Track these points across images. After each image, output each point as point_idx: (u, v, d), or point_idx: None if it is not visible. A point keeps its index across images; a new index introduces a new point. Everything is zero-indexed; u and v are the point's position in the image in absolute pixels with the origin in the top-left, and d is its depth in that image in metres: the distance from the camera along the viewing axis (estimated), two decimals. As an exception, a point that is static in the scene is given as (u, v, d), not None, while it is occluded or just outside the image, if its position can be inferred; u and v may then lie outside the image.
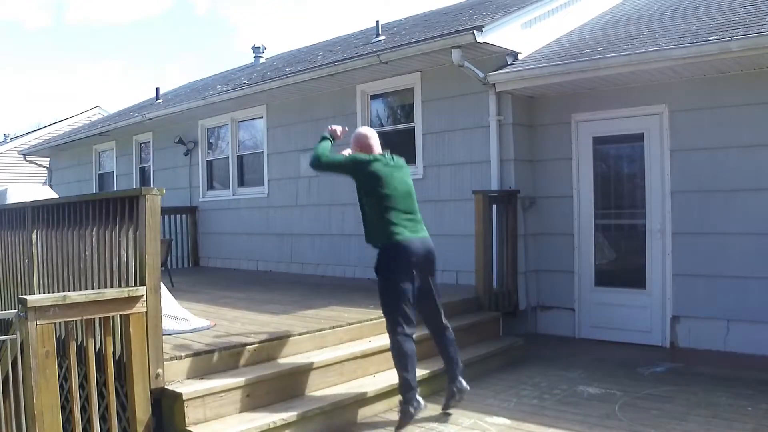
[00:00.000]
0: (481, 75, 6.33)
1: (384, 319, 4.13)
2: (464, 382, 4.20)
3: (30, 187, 7.84)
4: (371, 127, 7.87)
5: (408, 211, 4.08)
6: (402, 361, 3.95)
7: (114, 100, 71.54)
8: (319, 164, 4.20)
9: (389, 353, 4.48)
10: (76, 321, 3.28)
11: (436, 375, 4.72)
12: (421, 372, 4.60)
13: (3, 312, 4.17)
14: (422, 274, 4.08)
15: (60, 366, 3.44)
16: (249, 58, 13.72)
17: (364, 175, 4.08)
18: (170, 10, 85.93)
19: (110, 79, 78.77)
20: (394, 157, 4.27)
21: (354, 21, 71.82)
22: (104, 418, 3.35)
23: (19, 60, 76.60)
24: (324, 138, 4.37)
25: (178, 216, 10.34)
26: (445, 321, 4.26)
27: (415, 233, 4.04)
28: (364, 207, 4.15)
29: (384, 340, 4.74)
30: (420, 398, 3.98)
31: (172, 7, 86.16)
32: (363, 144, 4.31)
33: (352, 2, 78.54)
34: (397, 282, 3.96)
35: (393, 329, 3.99)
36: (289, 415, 3.77)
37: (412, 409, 3.91)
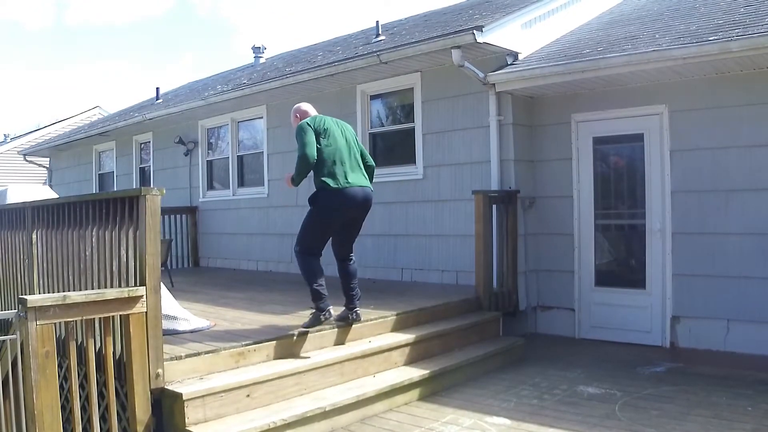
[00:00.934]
0: (481, 75, 6.33)
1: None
2: (360, 313, 4.74)
3: (30, 187, 7.83)
4: (371, 127, 7.91)
5: (351, 161, 4.57)
6: (312, 275, 4.50)
7: (114, 100, 71.53)
8: (299, 178, 4.54)
9: (389, 353, 4.49)
10: (76, 321, 3.28)
11: (436, 375, 4.73)
12: (420, 372, 4.62)
13: (3, 312, 4.17)
14: (355, 217, 4.64)
15: (60, 366, 3.44)
16: (250, 59, 13.72)
17: (317, 134, 4.51)
18: (171, 11, 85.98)
19: (111, 79, 78.76)
20: (338, 120, 4.76)
21: (354, 21, 71.87)
22: (104, 418, 3.35)
23: (20, 60, 76.67)
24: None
25: (178, 216, 10.34)
26: (352, 254, 4.80)
27: (356, 182, 4.53)
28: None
29: (384, 340, 4.76)
30: (331, 309, 4.48)
31: (173, 7, 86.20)
32: (300, 112, 4.86)
33: (352, 2, 78.53)
34: (326, 223, 4.55)
35: (303, 250, 4.56)
36: (289, 415, 3.76)
37: (323, 317, 4.43)
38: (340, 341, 4.68)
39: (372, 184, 4.82)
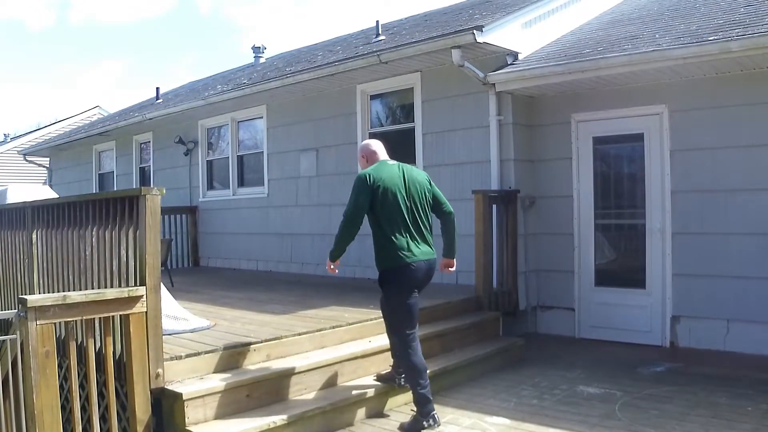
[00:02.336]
0: (481, 75, 6.33)
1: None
2: (440, 420, 3.99)
3: (30, 187, 7.83)
4: (371, 127, 7.90)
5: (418, 226, 3.95)
6: (415, 374, 3.93)
7: (116, 100, 71.59)
8: (338, 248, 4.03)
9: (389, 353, 4.48)
10: (76, 321, 3.28)
11: (436, 375, 4.71)
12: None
13: (3, 312, 4.17)
14: (418, 290, 4.04)
15: (60, 366, 3.44)
16: (251, 58, 13.72)
17: (373, 197, 3.89)
18: (174, 10, 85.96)
19: (112, 79, 78.82)
20: (404, 167, 4.09)
21: (354, 21, 71.86)
22: (104, 418, 3.35)
23: (22, 60, 76.71)
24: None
25: (178, 216, 10.34)
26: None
27: (421, 255, 3.92)
28: (372, 226, 3.97)
29: (384, 340, 4.75)
30: (437, 415, 3.91)
31: (176, 7, 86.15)
32: (367, 153, 4.18)
33: (352, 2, 78.54)
34: (403, 300, 3.95)
35: (400, 339, 4.00)
36: (289, 415, 3.77)
37: (426, 424, 3.84)
38: (340, 341, 4.68)
39: (449, 233, 4.22)
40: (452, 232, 4.22)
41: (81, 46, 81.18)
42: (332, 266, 4.10)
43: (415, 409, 3.96)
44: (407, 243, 3.88)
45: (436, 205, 4.13)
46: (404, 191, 3.94)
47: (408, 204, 3.93)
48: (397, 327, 4.02)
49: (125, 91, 72.54)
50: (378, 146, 4.21)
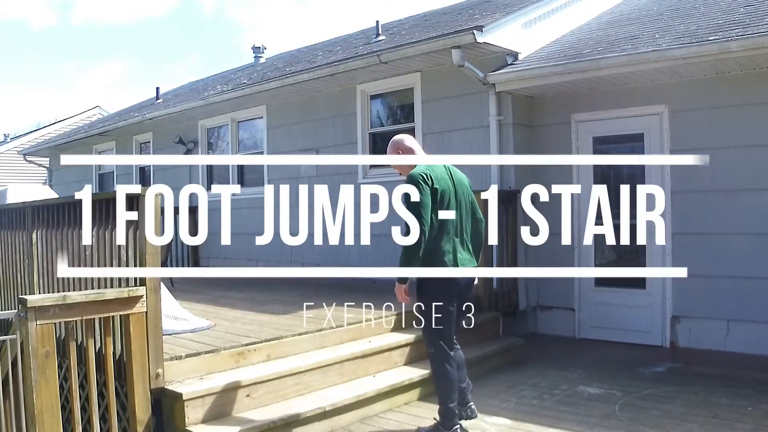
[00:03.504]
0: (481, 75, 6.33)
1: (426, 341, 3.85)
2: (475, 408, 3.93)
3: (30, 187, 7.84)
4: (371, 127, 7.90)
5: (463, 232, 3.73)
6: (447, 389, 3.69)
7: (117, 100, 71.59)
8: (409, 262, 3.54)
9: (389, 353, 4.48)
10: (76, 321, 3.28)
11: (436, 375, 4.72)
12: (420, 372, 4.60)
13: (3, 312, 4.17)
14: (461, 299, 3.81)
15: (60, 366, 3.44)
16: (252, 59, 13.72)
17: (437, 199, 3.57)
18: (177, 10, 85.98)
19: (113, 79, 78.86)
20: (450, 167, 3.81)
21: (354, 21, 71.90)
22: (104, 418, 3.35)
23: (24, 60, 76.75)
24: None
25: (178, 216, 10.31)
26: (455, 341, 3.88)
27: (464, 263, 3.70)
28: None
29: (384, 340, 4.75)
30: (464, 426, 3.76)
31: (178, 7, 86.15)
32: (404, 149, 3.83)
33: (353, 2, 78.58)
34: (446, 306, 3.65)
35: (437, 350, 3.70)
36: (289, 415, 3.76)
37: None
38: (340, 341, 4.68)
39: (477, 237, 3.91)
40: (481, 239, 3.95)
41: (82, 46, 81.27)
42: (404, 294, 3.69)
43: (438, 418, 3.74)
44: (454, 249, 3.63)
45: (472, 211, 3.87)
46: (454, 194, 3.66)
47: (457, 208, 3.67)
48: (437, 338, 3.69)
49: (126, 91, 72.66)
50: (413, 143, 3.87)
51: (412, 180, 3.54)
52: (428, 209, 3.47)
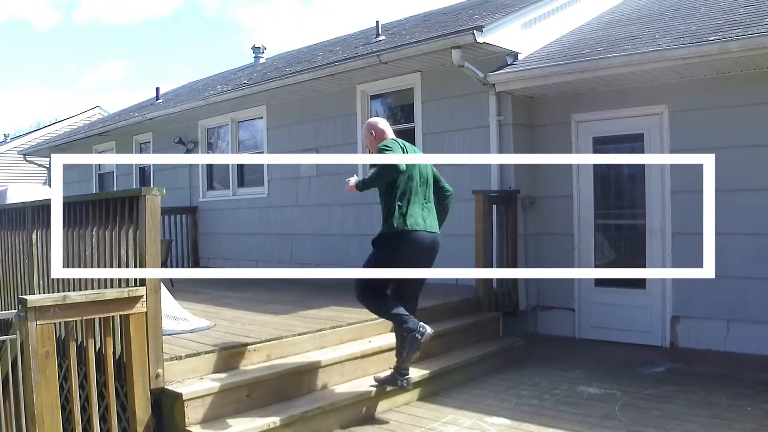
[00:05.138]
0: (481, 75, 6.33)
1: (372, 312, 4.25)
2: (429, 327, 4.04)
3: (30, 187, 7.85)
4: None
5: (425, 199, 4.11)
6: (384, 306, 4.06)
7: (118, 100, 71.59)
8: (373, 183, 4.06)
9: (389, 353, 4.48)
10: (76, 321, 3.28)
11: (436, 375, 4.73)
12: (421, 372, 4.61)
13: (3, 312, 4.18)
14: (420, 264, 4.12)
15: (60, 366, 3.44)
16: (252, 59, 13.70)
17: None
18: (179, 11, 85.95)
19: (115, 79, 78.87)
20: (411, 146, 4.28)
21: (354, 21, 71.91)
22: (104, 419, 3.35)
23: (27, 60, 76.77)
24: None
25: (178, 216, 10.33)
26: (413, 312, 4.21)
27: (428, 227, 4.06)
28: (384, 194, 4.06)
29: (384, 340, 4.75)
30: (423, 323, 3.96)
31: (181, 7, 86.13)
32: (377, 130, 4.29)
33: (353, 2, 78.60)
34: (392, 266, 4.01)
35: (362, 290, 4.10)
36: (289, 416, 3.77)
37: (418, 336, 3.89)
38: (340, 341, 4.68)
39: (443, 209, 4.35)
40: (447, 209, 4.41)
41: (85, 46, 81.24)
42: (353, 191, 4.13)
43: (403, 333, 3.99)
44: (417, 214, 4.00)
45: (436, 182, 4.30)
46: (420, 165, 4.10)
47: (421, 178, 4.08)
48: (366, 287, 4.08)
49: (126, 91, 72.65)
50: (385, 125, 4.34)
51: (381, 148, 4.03)
52: (399, 155, 3.91)
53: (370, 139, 4.31)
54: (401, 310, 3.99)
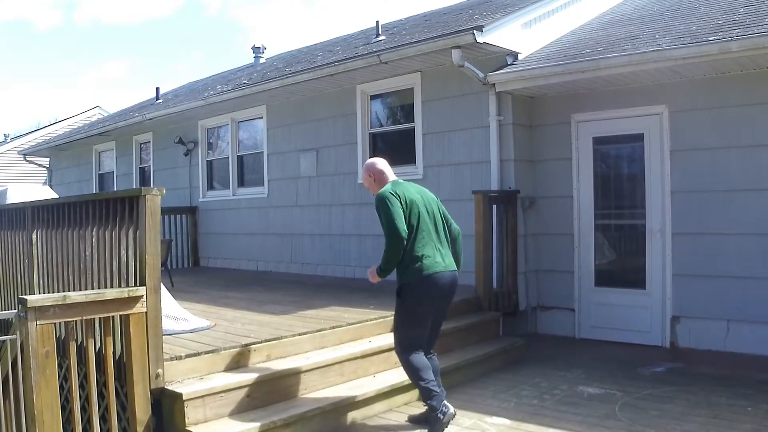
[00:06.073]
0: (481, 75, 6.33)
1: (394, 335, 4.08)
2: (451, 407, 3.94)
3: (30, 187, 7.84)
4: (371, 127, 7.90)
5: (438, 237, 3.96)
6: (418, 372, 3.87)
7: (118, 100, 71.55)
8: (390, 266, 3.86)
9: (389, 353, 4.48)
10: (76, 321, 3.28)
11: (436, 375, 4.72)
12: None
13: (3, 312, 4.17)
14: (441, 305, 4.02)
15: (60, 366, 3.44)
16: (252, 59, 13.69)
17: (406, 212, 3.85)
18: (180, 11, 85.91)
19: (115, 79, 78.87)
20: (414, 185, 4.13)
21: (354, 21, 71.94)
22: (104, 418, 3.35)
23: (28, 60, 76.78)
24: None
25: (178, 216, 10.34)
26: (432, 349, 4.14)
27: (447, 266, 3.92)
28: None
29: (384, 340, 4.75)
30: (448, 403, 3.87)
31: (182, 7, 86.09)
32: (375, 172, 4.13)
33: (353, 2, 78.63)
34: (419, 311, 3.90)
35: (403, 348, 3.93)
36: (289, 415, 3.77)
37: (441, 415, 3.77)
38: (340, 341, 4.68)
39: (456, 251, 4.14)
40: (459, 248, 4.18)
41: (85, 46, 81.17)
42: (376, 279, 3.96)
43: (426, 405, 3.90)
44: (434, 254, 3.86)
45: (444, 219, 4.12)
46: (426, 206, 3.96)
47: (432, 218, 3.95)
48: (406, 340, 3.93)
49: (127, 91, 72.61)
50: (385, 165, 4.18)
51: (379, 197, 3.87)
52: (400, 217, 3.76)
53: (370, 181, 4.17)
54: (431, 385, 3.83)
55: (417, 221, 3.85)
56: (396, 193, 3.85)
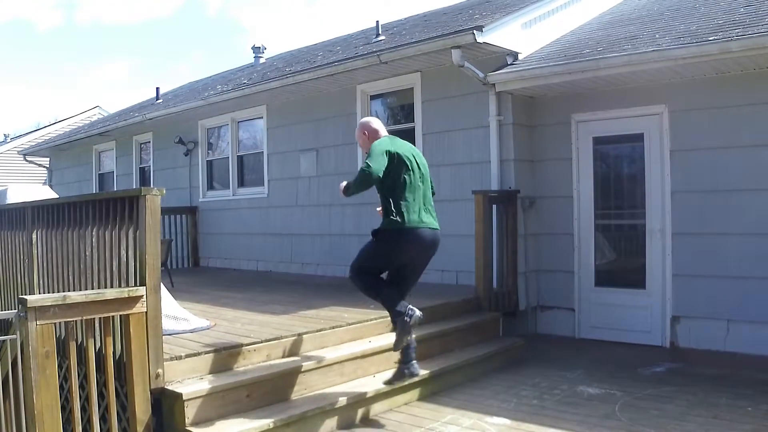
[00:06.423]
0: (481, 75, 6.33)
1: (386, 314, 4.24)
2: (417, 367, 4.14)
3: (30, 187, 7.83)
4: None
5: (425, 196, 4.13)
6: (374, 288, 4.10)
7: (118, 100, 71.54)
8: (355, 190, 4.03)
9: (389, 353, 4.48)
10: (76, 321, 3.28)
11: (435, 375, 4.73)
12: (421, 372, 4.58)
13: (3, 312, 4.17)
14: (418, 260, 4.18)
15: (60, 366, 3.44)
16: (252, 59, 13.70)
17: (390, 163, 3.98)
18: (181, 11, 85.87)
19: (116, 80, 78.83)
20: (412, 147, 4.31)
21: (354, 21, 71.92)
22: (104, 418, 3.35)
23: (29, 60, 76.73)
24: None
25: (178, 216, 10.34)
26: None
27: (429, 224, 4.08)
28: (383, 189, 4.06)
29: (384, 340, 4.75)
30: (412, 306, 4.00)
31: (182, 7, 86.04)
32: (370, 130, 4.33)
33: (353, 2, 78.60)
34: (390, 259, 4.10)
35: (356, 271, 4.14)
36: (289, 415, 3.77)
37: (407, 318, 3.93)
38: (340, 341, 4.68)
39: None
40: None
41: (86, 46, 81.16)
42: (343, 194, 4.13)
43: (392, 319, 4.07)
44: (419, 210, 4.02)
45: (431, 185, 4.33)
46: (416, 163, 4.11)
47: (420, 176, 4.10)
48: (361, 270, 4.12)
49: (127, 91, 72.62)
50: (379, 124, 4.39)
51: (374, 144, 4.05)
52: (381, 162, 3.89)
53: (364, 139, 4.34)
54: (392, 294, 4.04)
55: (407, 177, 4.00)
56: (389, 149, 4.00)
